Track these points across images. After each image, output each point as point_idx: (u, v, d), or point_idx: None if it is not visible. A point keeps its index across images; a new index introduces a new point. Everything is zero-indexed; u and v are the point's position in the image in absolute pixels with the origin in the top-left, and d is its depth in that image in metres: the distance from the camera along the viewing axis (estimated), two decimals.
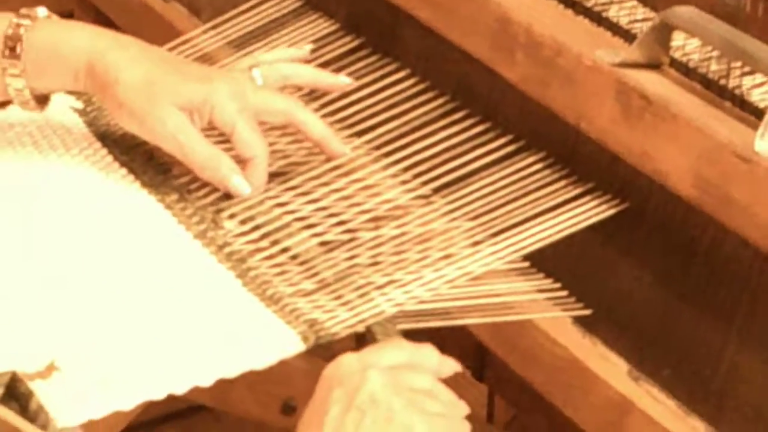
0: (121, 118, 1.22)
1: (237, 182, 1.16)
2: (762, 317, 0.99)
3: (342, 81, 1.29)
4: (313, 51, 1.33)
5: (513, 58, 1.11)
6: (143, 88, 1.18)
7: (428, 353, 1.01)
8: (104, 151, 1.26)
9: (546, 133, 1.15)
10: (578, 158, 1.12)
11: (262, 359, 1.01)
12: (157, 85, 1.19)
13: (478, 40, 1.15)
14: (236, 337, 1.04)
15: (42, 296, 1.07)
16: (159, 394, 0.95)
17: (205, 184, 1.20)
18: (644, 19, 1.15)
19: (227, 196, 1.19)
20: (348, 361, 0.95)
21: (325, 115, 1.27)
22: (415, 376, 0.96)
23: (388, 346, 1.02)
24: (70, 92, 1.28)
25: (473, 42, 1.15)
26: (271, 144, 1.23)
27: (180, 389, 0.96)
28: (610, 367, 1.08)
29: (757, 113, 0.98)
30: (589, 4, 1.21)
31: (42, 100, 1.22)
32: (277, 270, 1.10)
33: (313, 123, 1.23)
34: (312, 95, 1.31)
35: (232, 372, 1.00)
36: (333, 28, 1.35)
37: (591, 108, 1.04)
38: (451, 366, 1.01)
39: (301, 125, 1.22)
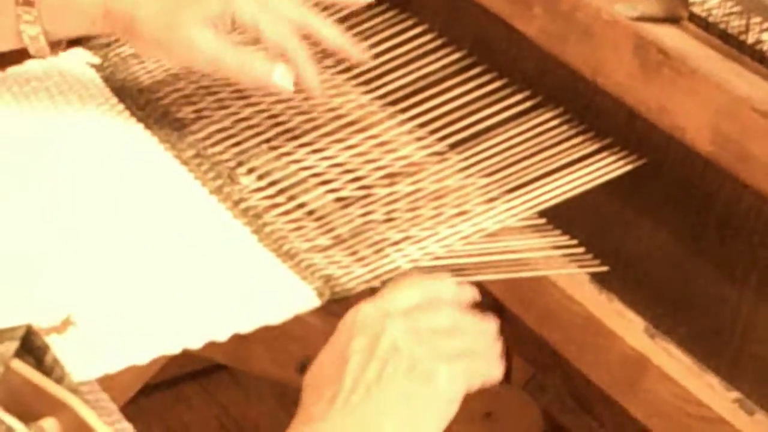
0: (148, 52, 1.25)
1: (278, 75, 1.16)
2: None
3: (361, 56, 1.26)
4: (329, 7, 1.30)
5: (531, 12, 1.11)
6: (162, 17, 1.18)
7: (444, 285, 1.00)
8: (121, 106, 1.27)
9: (563, 89, 1.15)
10: (595, 114, 1.12)
11: (278, 314, 1.01)
12: (175, 11, 1.19)
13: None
14: (252, 292, 1.05)
15: (58, 250, 1.08)
16: (174, 349, 0.96)
17: (222, 140, 1.20)
18: None
19: (244, 152, 1.19)
20: (366, 309, 0.94)
21: (341, 71, 1.27)
22: (435, 315, 0.95)
23: (403, 286, 1.00)
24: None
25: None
26: (285, 100, 1.24)
27: (195, 344, 0.97)
28: (626, 324, 1.08)
29: None
30: None
31: (56, 44, 1.23)
32: (293, 226, 1.10)
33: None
34: (328, 52, 1.28)
35: (247, 327, 1.00)
36: None
37: (609, 62, 1.04)
38: (470, 292, 1.00)
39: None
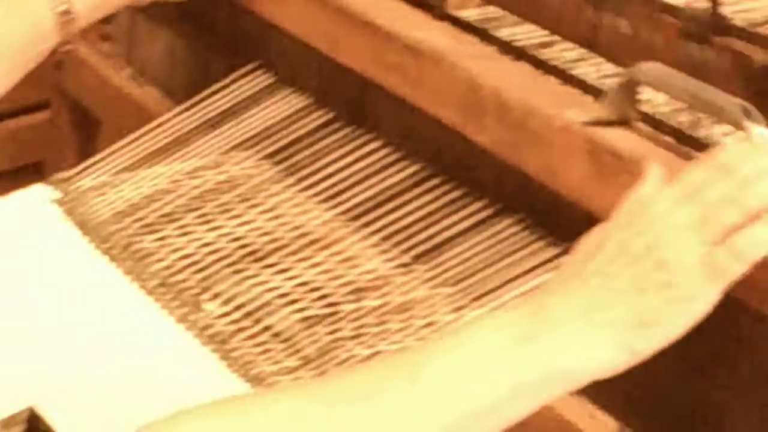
0: None
1: None
2: (745, 372, 0.98)
3: None
4: (287, 126, 1.33)
5: (483, 122, 1.10)
6: None
7: None
8: (85, 239, 1.28)
9: (521, 196, 1.14)
10: (555, 219, 1.10)
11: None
12: None
13: (447, 107, 1.14)
14: None
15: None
16: None
17: (185, 267, 1.21)
18: (613, 75, 1.16)
19: (207, 277, 1.19)
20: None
21: (302, 189, 1.27)
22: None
23: None
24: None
25: (443, 109, 1.15)
26: (248, 222, 1.24)
27: None
28: (599, 426, 1.06)
29: None
30: (557, 63, 1.23)
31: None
32: (260, 349, 1.10)
33: None
34: (290, 170, 1.31)
35: None
36: (305, 102, 1.35)
37: (563, 168, 1.03)
38: None
39: None
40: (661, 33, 1.10)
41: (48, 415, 1.02)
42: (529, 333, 0.83)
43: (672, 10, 1.10)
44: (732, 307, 0.89)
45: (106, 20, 1.54)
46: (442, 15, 1.31)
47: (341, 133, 1.30)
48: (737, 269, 0.82)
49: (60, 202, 1.33)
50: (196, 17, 1.51)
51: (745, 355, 0.98)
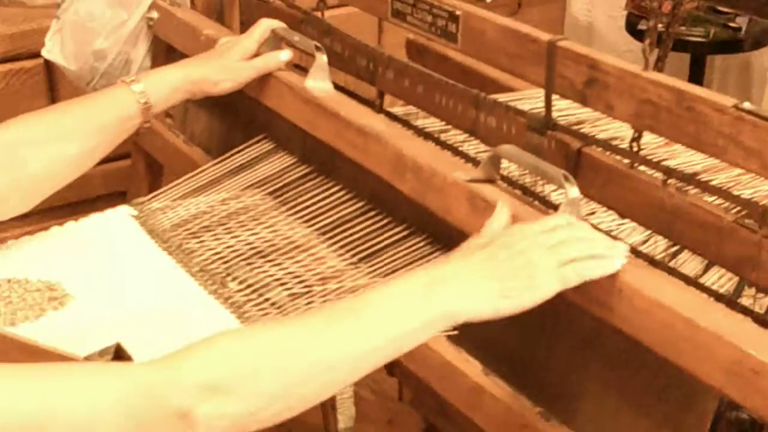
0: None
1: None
2: (562, 334, 1.00)
3: (282, 57, 1.32)
4: (281, 175, 1.33)
5: (405, 178, 1.10)
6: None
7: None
8: (152, 242, 1.28)
9: (427, 224, 1.15)
10: (447, 239, 1.10)
11: None
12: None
13: (383, 167, 1.14)
14: None
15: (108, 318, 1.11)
16: None
17: (216, 260, 1.20)
18: (485, 151, 1.16)
19: (230, 267, 1.19)
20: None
21: (291, 214, 1.27)
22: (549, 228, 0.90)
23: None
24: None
25: (380, 168, 1.15)
26: (256, 233, 1.25)
27: None
28: (470, 366, 1.08)
29: (555, 207, 1.02)
30: (451, 142, 1.25)
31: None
32: (262, 313, 1.12)
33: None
34: (283, 202, 1.30)
35: None
36: (294, 160, 1.35)
37: (453, 208, 1.04)
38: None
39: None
40: (515, 126, 1.10)
41: (128, 349, 1.01)
42: (435, 283, 0.84)
43: (521, 113, 1.10)
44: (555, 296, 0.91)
45: None
46: (380, 110, 1.32)
47: (316, 181, 1.30)
48: (574, 281, 0.87)
49: (137, 217, 1.32)
50: (225, 105, 1.46)
51: (561, 327, 1.00)
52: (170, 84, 1.25)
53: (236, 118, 1.47)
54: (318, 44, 1.30)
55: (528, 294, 0.86)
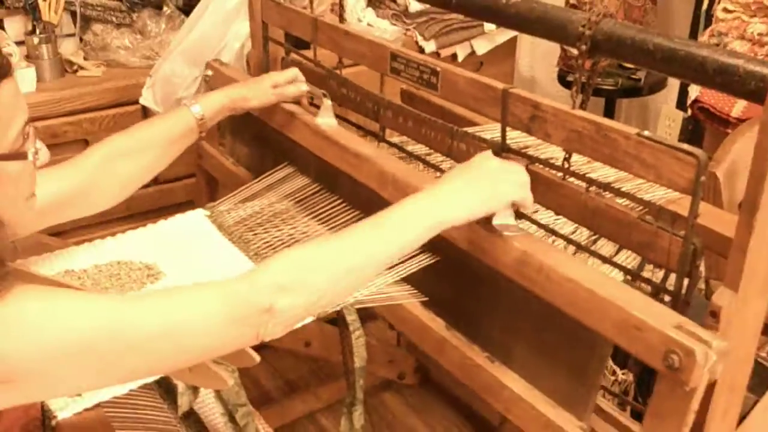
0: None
1: None
2: (501, 300, 1.00)
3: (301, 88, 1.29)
4: (300, 191, 1.31)
5: (387, 189, 1.10)
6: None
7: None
8: (220, 234, 1.27)
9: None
10: None
11: None
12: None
13: (372, 181, 1.13)
14: None
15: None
16: None
17: (265, 247, 1.19)
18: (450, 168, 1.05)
19: (275, 252, 1.15)
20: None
21: (311, 218, 1.25)
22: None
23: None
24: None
25: (370, 182, 1.13)
26: (293, 227, 1.23)
27: None
28: (434, 323, 1.08)
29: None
30: (433, 162, 1.23)
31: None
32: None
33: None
34: (305, 209, 1.27)
35: None
36: (308, 181, 1.33)
37: None
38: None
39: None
40: (479, 150, 1.02)
41: None
42: (434, 201, 0.86)
43: (483, 140, 1.09)
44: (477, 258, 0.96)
45: (222, 135, 1.55)
46: (382, 140, 1.31)
47: (324, 195, 1.29)
48: (519, 197, 0.90)
49: (209, 217, 1.32)
50: (261, 137, 1.44)
51: (501, 295, 1.00)
52: (218, 103, 1.22)
53: (268, 147, 1.44)
54: (325, 92, 1.29)
55: (495, 200, 0.90)
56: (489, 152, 0.94)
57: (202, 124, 1.19)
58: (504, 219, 0.93)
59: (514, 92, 1.00)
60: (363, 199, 1.20)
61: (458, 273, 1.06)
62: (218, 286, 0.78)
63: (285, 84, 1.29)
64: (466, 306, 1.06)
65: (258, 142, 1.48)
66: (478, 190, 0.88)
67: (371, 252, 0.83)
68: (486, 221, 0.93)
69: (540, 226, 1.03)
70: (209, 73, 1.51)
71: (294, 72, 1.32)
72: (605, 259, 0.98)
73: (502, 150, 1.06)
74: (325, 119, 1.27)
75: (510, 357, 1.00)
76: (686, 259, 0.84)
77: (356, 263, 0.83)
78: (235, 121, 1.42)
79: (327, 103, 1.28)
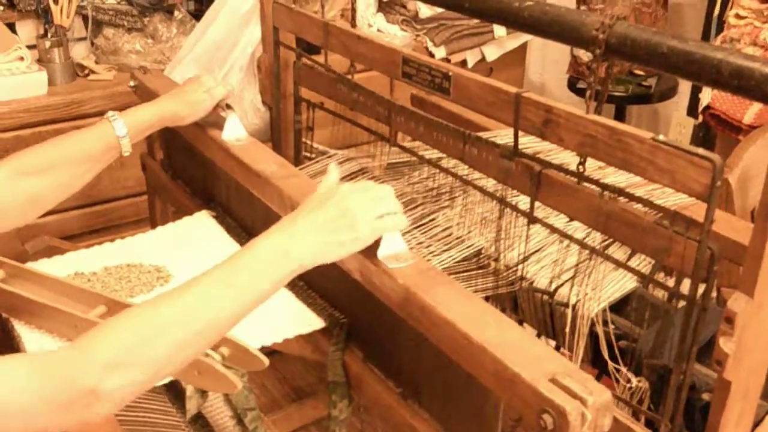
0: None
1: None
2: (406, 335, 0.94)
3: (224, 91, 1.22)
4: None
5: (287, 212, 0.91)
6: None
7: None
8: (225, 233, 1.26)
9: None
10: None
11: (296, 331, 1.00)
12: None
13: (274, 203, 1.10)
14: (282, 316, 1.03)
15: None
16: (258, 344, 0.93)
17: None
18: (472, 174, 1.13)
19: None
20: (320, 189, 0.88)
21: None
22: (366, 188, 0.87)
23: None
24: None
25: (272, 203, 1.10)
26: None
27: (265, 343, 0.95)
28: (353, 356, 1.03)
29: (525, 214, 1.02)
30: (446, 166, 1.20)
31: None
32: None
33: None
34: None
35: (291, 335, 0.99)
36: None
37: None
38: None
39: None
40: (491, 155, 1.08)
41: None
42: (290, 241, 0.80)
43: (496, 144, 1.08)
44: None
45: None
46: (393, 144, 1.28)
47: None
48: (385, 231, 0.85)
49: (215, 217, 1.31)
50: (191, 149, 1.37)
51: (405, 331, 0.93)
52: (145, 120, 1.15)
53: (195, 157, 1.37)
54: (229, 104, 1.24)
55: (355, 244, 0.84)
56: (346, 186, 0.87)
57: (125, 142, 1.11)
58: (390, 248, 0.88)
59: (526, 96, 0.99)
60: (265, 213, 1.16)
61: (370, 299, 0.95)
62: (33, 357, 0.71)
63: (215, 86, 1.23)
64: (379, 336, 1.00)
65: (188, 153, 1.40)
66: (337, 231, 0.82)
67: (225, 307, 0.76)
68: (372, 252, 0.87)
69: (554, 230, 1.02)
70: (132, 84, 1.44)
71: (225, 91, 1.25)
72: (619, 263, 0.97)
73: (514, 155, 1.05)
74: (230, 134, 1.21)
75: (418, 394, 0.95)
76: (702, 264, 0.82)
77: (209, 321, 0.75)
78: (166, 130, 1.34)
79: (231, 116, 1.22)
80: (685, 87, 2.37)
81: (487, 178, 1.15)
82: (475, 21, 2.13)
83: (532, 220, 1.04)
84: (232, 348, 0.91)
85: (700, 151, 0.79)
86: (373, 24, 2.10)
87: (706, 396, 0.93)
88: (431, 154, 1.26)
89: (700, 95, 1.86)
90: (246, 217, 1.25)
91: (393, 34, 2.09)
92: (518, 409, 0.73)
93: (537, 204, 1.04)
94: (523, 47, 2.38)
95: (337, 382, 1.02)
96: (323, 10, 1.42)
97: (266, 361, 0.90)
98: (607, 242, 1.02)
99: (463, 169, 1.20)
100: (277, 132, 1.59)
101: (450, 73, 1.10)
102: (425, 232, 1.21)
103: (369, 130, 1.35)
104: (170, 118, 1.19)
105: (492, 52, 2.30)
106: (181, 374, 0.90)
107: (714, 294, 1.09)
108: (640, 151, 0.85)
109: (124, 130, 1.10)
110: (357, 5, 1.37)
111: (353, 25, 1.39)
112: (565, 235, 1.00)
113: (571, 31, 0.91)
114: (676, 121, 2.17)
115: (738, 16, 1.73)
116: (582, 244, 1.00)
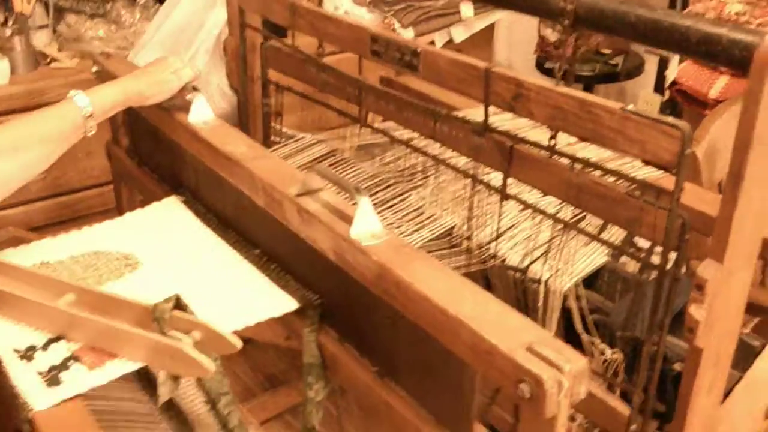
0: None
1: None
2: (381, 314, 0.91)
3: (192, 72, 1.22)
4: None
5: (258, 194, 1.04)
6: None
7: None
8: (196, 219, 1.24)
9: (273, 222, 1.04)
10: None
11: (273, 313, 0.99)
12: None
13: (244, 184, 1.07)
14: (258, 299, 1.02)
15: (169, 278, 1.08)
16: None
17: (246, 235, 1.15)
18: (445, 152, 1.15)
19: (247, 238, 1.13)
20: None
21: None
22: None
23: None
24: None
25: (242, 186, 1.08)
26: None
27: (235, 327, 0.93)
28: (328, 337, 1.01)
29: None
30: (418, 145, 1.22)
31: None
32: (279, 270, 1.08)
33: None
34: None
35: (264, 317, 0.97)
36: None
37: (289, 218, 0.98)
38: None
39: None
40: (462, 132, 1.09)
41: (184, 299, 0.94)
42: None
43: (467, 121, 1.08)
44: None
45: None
46: (364, 124, 1.27)
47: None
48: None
49: (185, 203, 1.28)
50: (156, 132, 1.25)
51: (381, 310, 0.92)
52: (110, 98, 1.11)
53: (161, 142, 1.34)
54: (196, 86, 1.22)
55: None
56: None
57: (89, 121, 1.08)
58: (363, 226, 0.88)
59: (496, 71, 0.99)
60: (234, 198, 1.16)
61: (344, 278, 0.93)
62: None
63: (182, 67, 1.21)
64: (354, 315, 0.99)
65: (155, 138, 1.36)
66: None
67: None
68: (346, 231, 0.89)
69: (526, 205, 1.02)
70: (94, 69, 1.40)
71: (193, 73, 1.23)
72: (591, 235, 0.97)
73: (484, 130, 1.05)
74: (197, 116, 1.19)
75: (395, 372, 0.94)
76: (673, 233, 0.82)
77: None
78: (131, 115, 1.33)
79: (199, 97, 1.20)
80: (651, 65, 2.38)
81: (459, 157, 1.15)
82: (442, 1, 2.12)
83: (505, 196, 1.03)
84: (204, 332, 0.89)
85: (669, 119, 0.80)
86: (340, 6, 2.08)
87: (677, 366, 0.94)
88: (402, 133, 1.26)
89: (666, 72, 1.87)
90: (216, 201, 1.24)
91: (360, 16, 2.07)
92: (496, 380, 0.73)
93: (510, 181, 1.04)
94: (491, 28, 2.37)
95: (313, 364, 1.01)
96: None
97: (239, 343, 0.88)
98: (578, 217, 1.02)
99: (434, 149, 1.19)
100: (244, 116, 1.57)
101: (419, 50, 1.10)
102: (396, 212, 1.21)
103: (339, 111, 1.34)
104: (135, 97, 1.16)
105: (460, 33, 2.28)
106: (152, 360, 0.90)
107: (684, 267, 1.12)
108: (610, 122, 0.85)
109: (89, 108, 1.08)
110: None
111: (320, 6, 1.38)
112: (537, 210, 1.00)
113: (540, 3, 0.91)
114: (643, 99, 2.18)
115: None
116: (554, 218, 1.00)
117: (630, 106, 0.83)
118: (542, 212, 1.01)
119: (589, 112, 0.87)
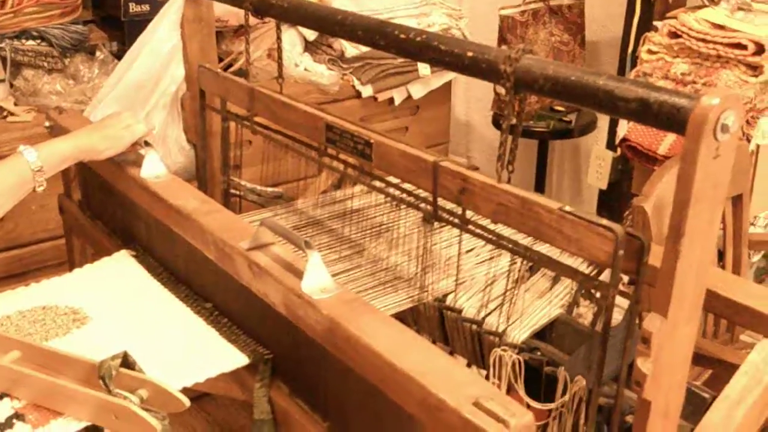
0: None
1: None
2: (334, 370, 0.91)
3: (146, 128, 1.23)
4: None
5: (209, 248, 1.04)
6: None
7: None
8: (147, 274, 1.23)
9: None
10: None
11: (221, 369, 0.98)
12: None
13: (196, 239, 1.08)
14: (208, 356, 1.01)
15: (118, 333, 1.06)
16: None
17: (198, 290, 1.15)
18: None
19: (202, 293, 1.12)
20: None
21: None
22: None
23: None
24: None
25: (195, 241, 1.08)
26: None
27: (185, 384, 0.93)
28: (279, 392, 1.00)
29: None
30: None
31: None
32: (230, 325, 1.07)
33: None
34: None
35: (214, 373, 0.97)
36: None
37: (241, 273, 0.99)
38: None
39: None
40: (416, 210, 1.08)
41: (132, 356, 0.91)
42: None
43: (418, 207, 1.05)
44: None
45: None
46: (324, 154, 1.23)
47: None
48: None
49: (135, 258, 1.27)
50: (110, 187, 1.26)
51: (334, 364, 0.91)
52: (60, 153, 1.11)
53: (113, 196, 1.35)
54: (148, 141, 1.22)
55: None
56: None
57: (39, 176, 1.08)
58: (314, 280, 0.89)
59: (444, 165, 1.00)
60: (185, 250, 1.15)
61: (295, 332, 0.94)
62: None
63: (135, 122, 1.21)
64: (305, 370, 0.98)
65: (108, 193, 1.36)
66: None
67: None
68: (297, 285, 0.89)
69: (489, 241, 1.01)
70: (47, 124, 1.39)
71: (145, 129, 1.24)
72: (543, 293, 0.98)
73: (433, 218, 1.07)
74: (149, 170, 1.19)
75: (348, 427, 0.93)
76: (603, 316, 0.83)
77: None
78: (84, 169, 1.32)
79: (151, 152, 1.21)
80: (603, 122, 2.45)
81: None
82: (400, 60, 2.16)
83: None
84: (151, 389, 0.88)
85: (603, 221, 0.82)
86: (299, 64, 2.11)
87: (629, 418, 0.94)
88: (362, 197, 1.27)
89: (618, 129, 1.92)
90: (168, 255, 1.23)
91: (320, 73, 2.10)
92: None
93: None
94: (448, 85, 2.42)
95: (264, 420, 1.00)
96: (248, 51, 1.41)
97: (186, 401, 0.87)
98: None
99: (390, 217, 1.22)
100: (202, 170, 1.57)
101: (371, 141, 1.11)
102: (349, 261, 1.21)
103: (303, 154, 1.32)
104: (87, 151, 1.16)
105: (418, 90, 2.33)
106: (97, 418, 0.88)
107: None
108: (548, 221, 0.87)
109: (38, 162, 1.07)
110: (283, 45, 1.37)
111: (280, 65, 1.39)
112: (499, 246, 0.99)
113: (484, 66, 0.93)
114: (596, 155, 2.23)
115: (650, 52, 1.80)
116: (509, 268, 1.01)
117: (567, 207, 0.85)
118: (501, 247, 1.00)
119: (530, 209, 0.89)
